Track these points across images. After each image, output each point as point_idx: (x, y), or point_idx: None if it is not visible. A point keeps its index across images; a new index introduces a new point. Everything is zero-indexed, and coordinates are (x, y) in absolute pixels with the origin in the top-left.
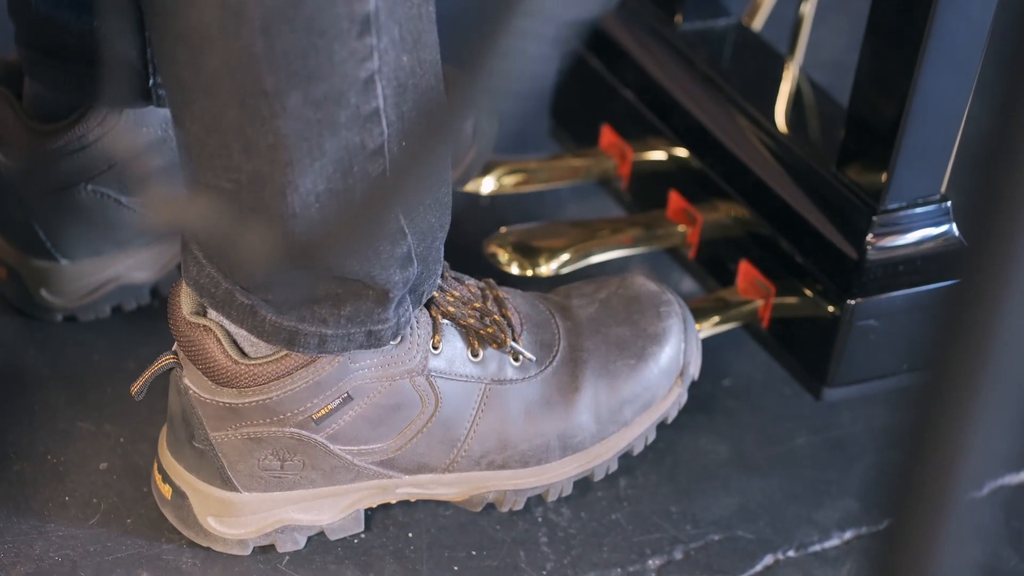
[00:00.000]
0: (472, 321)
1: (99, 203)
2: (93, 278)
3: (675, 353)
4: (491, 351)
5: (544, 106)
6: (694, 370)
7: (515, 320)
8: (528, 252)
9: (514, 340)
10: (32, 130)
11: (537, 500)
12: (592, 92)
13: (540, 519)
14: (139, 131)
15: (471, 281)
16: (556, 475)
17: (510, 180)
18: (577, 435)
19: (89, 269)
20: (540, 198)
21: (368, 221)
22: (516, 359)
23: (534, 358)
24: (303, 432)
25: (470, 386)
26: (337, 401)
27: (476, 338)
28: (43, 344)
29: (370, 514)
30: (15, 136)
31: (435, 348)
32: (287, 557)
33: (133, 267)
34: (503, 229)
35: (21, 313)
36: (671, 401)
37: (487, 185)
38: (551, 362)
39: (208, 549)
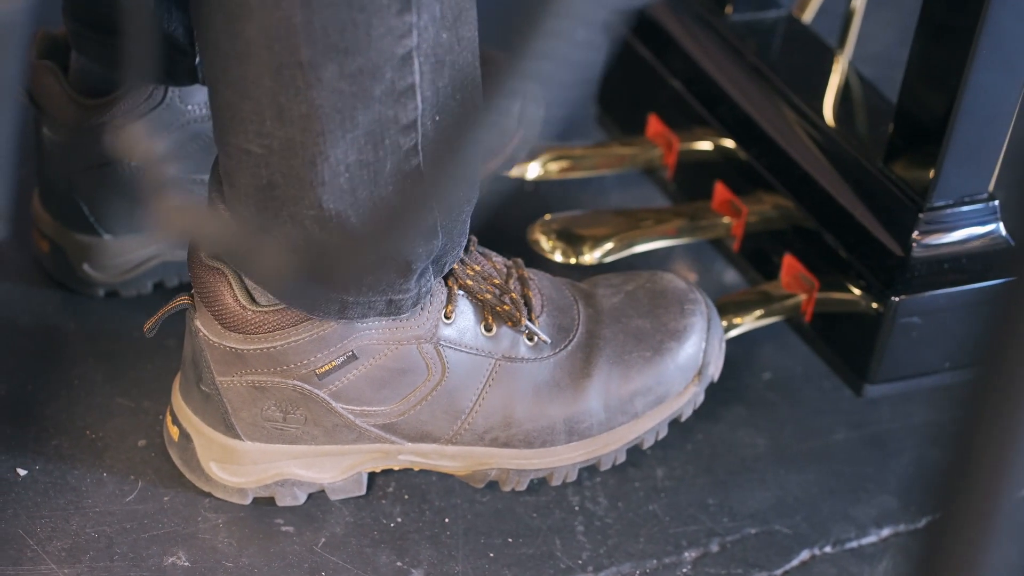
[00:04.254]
0: (489, 297)
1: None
2: (135, 254)
3: (694, 351)
4: (505, 328)
5: (591, 93)
6: (714, 371)
7: (536, 301)
8: (572, 240)
9: (530, 320)
10: (77, 104)
11: (575, 489)
12: (640, 81)
13: (577, 508)
14: (184, 109)
15: (498, 258)
16: (561, 459)
17: (555, 166)
18: (584, 421)
19: (131, 245)
20: (585, 185)
21: (403, 223)
22: (531, 339)
23: (549, 340)
24: (306, 386)
25: (479, 360)
26: (341, 358)
27: (491, 314)
28: (84, 319)
29: (406, 498)
30: (60, 110)
31: (447, 318)
32: (323, 539)
33: (175, 244)
34: (547, 216)
35: (63, 287)
36: (686, 399)
37: (532, 171)
38: (566, 346)
39: (244, 528)
